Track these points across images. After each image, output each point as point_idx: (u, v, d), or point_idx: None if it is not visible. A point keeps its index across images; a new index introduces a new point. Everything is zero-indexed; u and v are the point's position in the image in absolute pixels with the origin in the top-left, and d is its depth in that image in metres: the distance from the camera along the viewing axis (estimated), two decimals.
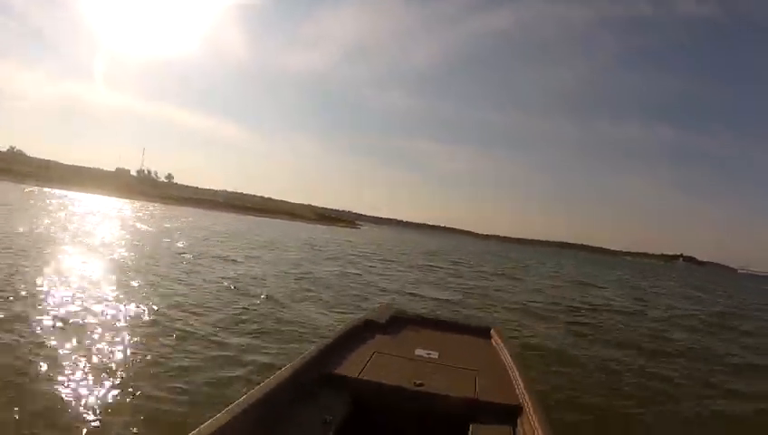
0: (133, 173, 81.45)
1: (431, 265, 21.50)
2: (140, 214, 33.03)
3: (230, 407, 1.95)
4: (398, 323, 4.12)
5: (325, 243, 29.56)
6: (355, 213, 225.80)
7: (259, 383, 2.30)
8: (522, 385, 2.70)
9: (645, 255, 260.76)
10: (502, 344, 3.65)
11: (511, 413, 2.47)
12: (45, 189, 36.87)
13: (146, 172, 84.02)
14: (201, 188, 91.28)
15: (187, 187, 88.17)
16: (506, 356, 3.36)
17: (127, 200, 48.36)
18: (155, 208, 42.72)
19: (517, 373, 2.93)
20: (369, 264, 18.61)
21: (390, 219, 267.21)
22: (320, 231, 46.53)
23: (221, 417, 1.85)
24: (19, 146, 77.99)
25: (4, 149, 73.56)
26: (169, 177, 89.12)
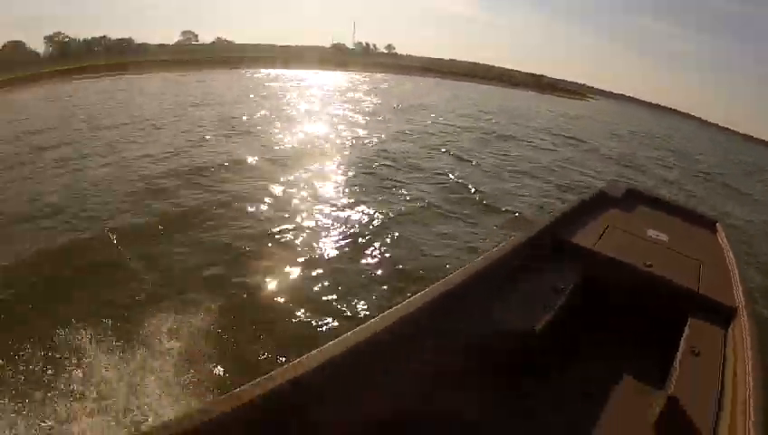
0: (351, 46, 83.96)
1: (640, 161, 15.32)
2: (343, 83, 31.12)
3: (465, 267, 2.13)
4: (631, 198, 4.09)
5: (523, 112, 23.95)
6: (588, 86, 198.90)
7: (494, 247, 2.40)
8: (740, 287, 2.64)
9: None
10: (726, 241, 3.53)
11: (727, 313, 2.42)
12: (267, 72, 38.91)
13: (363, 45, 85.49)
14: (420, 57, 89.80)
15: (408, 56, 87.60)
16: (729, 254, 3.25)
17: (343, 73, 48.54)
18: (364, 77, 42.22)
19: (737, 274, 2.83)
20: (549, 144, 13.95)
21: (622, 95, 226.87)
22: (530, 99, 38.86)
23: (446, 281, 1.96)
24: (226, 36, 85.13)
25: (210, 42, 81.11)
26: (389, 47, 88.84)
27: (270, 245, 4.91)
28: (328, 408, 1.51)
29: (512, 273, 2.35)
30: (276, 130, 11.21)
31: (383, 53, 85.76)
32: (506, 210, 6.93)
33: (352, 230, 5.43)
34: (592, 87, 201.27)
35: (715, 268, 2.94)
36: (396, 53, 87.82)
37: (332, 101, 18.72)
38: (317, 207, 6.13)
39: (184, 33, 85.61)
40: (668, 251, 3.02)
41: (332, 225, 5.59)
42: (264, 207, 5.96)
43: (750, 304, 2.45)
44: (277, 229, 5.29)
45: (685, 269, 2.77)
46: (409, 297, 1.85)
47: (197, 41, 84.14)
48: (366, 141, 10.68)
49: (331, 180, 7.44)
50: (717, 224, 3.94)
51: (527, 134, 15.87)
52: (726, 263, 3.13)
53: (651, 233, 3.28)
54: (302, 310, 3.81)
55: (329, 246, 5.01)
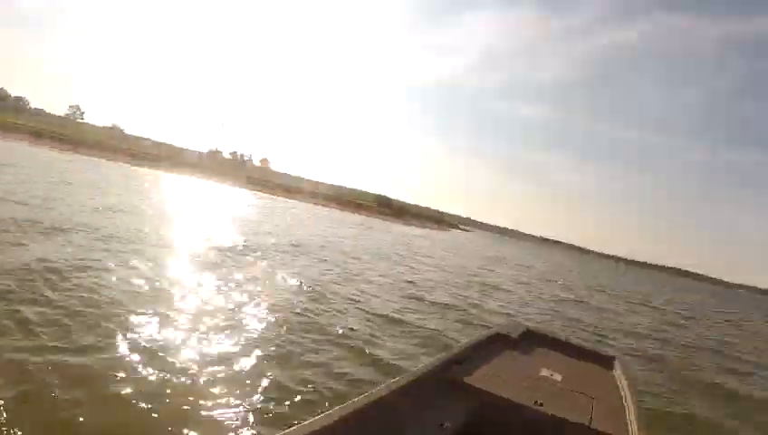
0: (226, 155, 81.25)
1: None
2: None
3: (348, 403, 2.05)
4: (528, 339, 4.20)
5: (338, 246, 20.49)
6: (466, 218, 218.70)
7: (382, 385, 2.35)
8: (634, 418, 2.75)
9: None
10: (623, 375, 3.65)
11: None
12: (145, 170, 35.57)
13: (239, 155, 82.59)
14: (295, 176, 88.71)
15: (282, 174, 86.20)
16: (625, 388, 3.38)
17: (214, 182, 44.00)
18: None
19: (632, 406, 2.95)
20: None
21: (502, 228, 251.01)
22: (372, 229, 36.94)
23: (341, 409, 1.95)
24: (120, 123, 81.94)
25: (108, 126, 77.36)
26: (264, 161, 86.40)
27: None
28: None
29: (399, 412, 2.32)
30: None
31: (257, 166, 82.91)
32: None
33: None
34: (472, 220, 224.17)
35: (609, 403, 3.04)
36: (258, 166, 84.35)
37: None
38: None
39: (71, 106, 77.23)
40: (561, 390, 3.10)
41: None
42: None
43: (644, 432, 2.52)
44: None
45: (576, 406, 2.82)
46: None
47: (83, 118, 76.34)
48: None
49: None
50: (615, 360, 4.08)
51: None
52: (621, 396, 3.22)
53: (545, 373, 3.35)
54: None
55: None
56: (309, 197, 48.77)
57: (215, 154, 79.31)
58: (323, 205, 45.54)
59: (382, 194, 68.85)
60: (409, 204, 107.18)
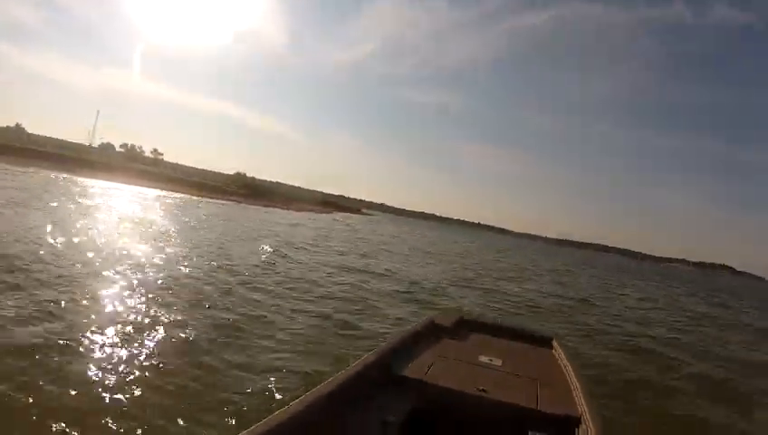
0: (119, 149, 79.21)
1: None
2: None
3: (291, 404, 2.04)
4: (463, 327, 4.19)
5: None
6: (378, 203, 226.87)
7: (322, 382, 2.34)
8: (581, 396, 2.72)
9: (682, 261, 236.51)
10: (563, 354, 3.64)
11: (570, 423, 2.47)
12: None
13: (129, 146, 79.34)
14: (192, 168, 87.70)
15: (178, 165, 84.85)
16: (567, 366, 3.36)
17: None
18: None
19: (577, 384, 2.94)
20: None
21: (415, 212, 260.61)
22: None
23: (281, 413, 1.92)
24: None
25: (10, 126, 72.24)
26: (155, 152, 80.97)
27: None
28: None
29: (340, 408, 2.27)
30: None
31: (150, 157, 79.57)
32: None
33: None
34: (382, 204, 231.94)
35: (553, 382, 3.06)
36: (162, 160, 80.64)
37: None
38: None
39: None
40: (502, 374, 3.07)
41: None
42: None
43: (594, 409, 2.50)
44: None
45: (520, 389, 2.81)
46: None
47: None
48: None
49: None
50: (553, 340, 4.12)
51: None
52: (564, 375, 3.25)
53: (484, 359, 3.32)
54: None
55: None
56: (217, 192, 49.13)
57: (107, 148, 77.35)
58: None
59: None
60: (302, 188, 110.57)
